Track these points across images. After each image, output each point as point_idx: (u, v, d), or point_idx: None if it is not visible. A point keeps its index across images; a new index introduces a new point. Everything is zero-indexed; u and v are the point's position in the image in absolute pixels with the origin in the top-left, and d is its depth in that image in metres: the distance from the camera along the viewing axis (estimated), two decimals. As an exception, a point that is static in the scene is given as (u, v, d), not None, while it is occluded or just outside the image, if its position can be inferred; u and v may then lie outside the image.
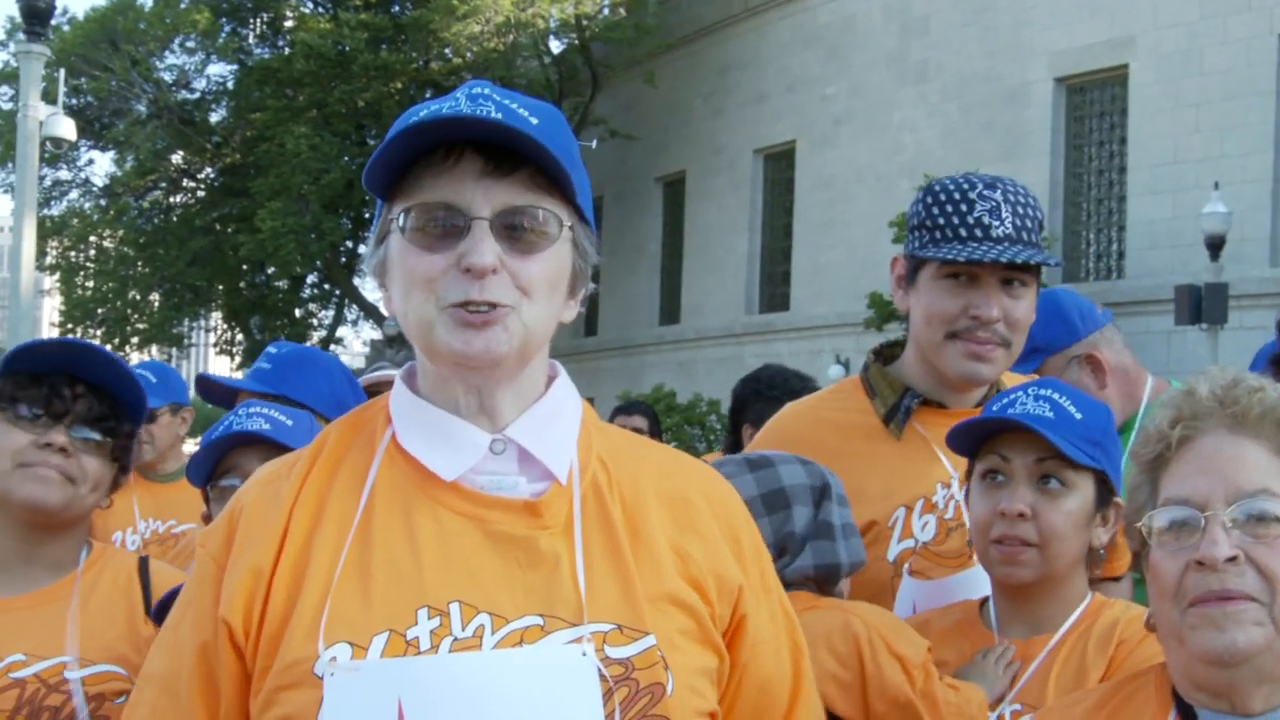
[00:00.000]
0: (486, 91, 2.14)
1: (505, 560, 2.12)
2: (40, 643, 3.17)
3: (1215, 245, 28.81)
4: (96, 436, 3.25)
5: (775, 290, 44.23)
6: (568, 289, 2.23)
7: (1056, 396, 3.08)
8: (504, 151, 2.09)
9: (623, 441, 2.38)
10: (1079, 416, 3.06)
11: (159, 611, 3.17)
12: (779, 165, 44.19)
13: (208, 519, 3.79)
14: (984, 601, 3.24)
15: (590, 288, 2.31)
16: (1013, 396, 3.11)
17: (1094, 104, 34.87)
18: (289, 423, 3.72)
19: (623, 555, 2.17)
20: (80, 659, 3.17)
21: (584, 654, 2.04)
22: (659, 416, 10.38)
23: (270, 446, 3.60)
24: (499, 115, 2.08)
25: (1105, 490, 3.12)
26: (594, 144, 38.73)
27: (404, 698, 1.98)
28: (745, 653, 2.28)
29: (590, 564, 2.14)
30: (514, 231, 2.10)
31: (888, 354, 3.72)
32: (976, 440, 3.15)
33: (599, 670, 2.04)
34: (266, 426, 3.67)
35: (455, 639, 2.04)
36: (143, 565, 3.45)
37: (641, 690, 2.06)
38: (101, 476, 3.30)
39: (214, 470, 3.75)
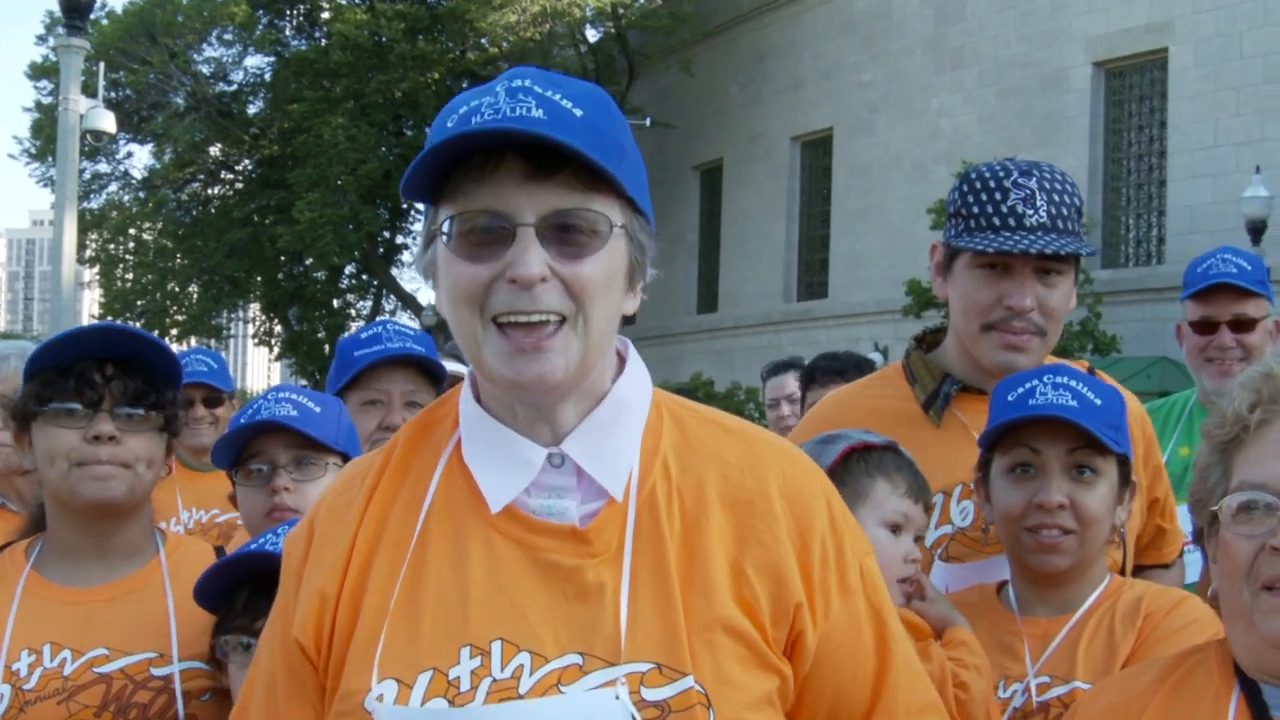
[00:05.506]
0: (528, 84, 2.04)
1: (551, 592, 2.09)
2: (123, 637, 3.15)
3: (1257, 229, 28.60)
4: (140, 413, 3.19)
5: (813, 278, 44.15)
6: (626, 283, 2.14)
7: (1074, 384, 3.09)
8: (548, 150, 1.98)
9: (697, 432, 2.27)
10: (1099, 403, 3.08)
11: (199, 593, 3.16)
12: (816, 152, 44.09)
13: (233, 499, 3.80)
14: (1001, 585, 3.26)
15: (652, 274, 2.21)
16: (1029, 386, 3.11)
17: (1133, 88, 34.66)
18: (317, 410, 3.68)
19: (670, 584, 2.10)
20: (165, 655, 3.15)
21: (617, 698, 2.00)
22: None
23: (296, 434, 3.61)
24: (540, 112, 1.98)
25: (1125, 471, 3.16)
26: (648, 122, 38.53)
27: None
28: (806, 665, 2.19)
29: (636, 596, 2.09)
30: (563, 234, 2.02)
31: (930, 340, 3.72)
32: (998, 431, 3.15)
33: (632, 716, 2.00)
34: (294, 413, 3.64)
35: (495, 680, 2.03)
36: (219, 555, 3.40)
37: None
38: (155, 452, 3.25)
39: (240, 454, 3.74)
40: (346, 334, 4.48)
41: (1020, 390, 3.11)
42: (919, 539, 3.18)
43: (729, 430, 2.30)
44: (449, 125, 2.02)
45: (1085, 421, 3.01)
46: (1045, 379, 3.10)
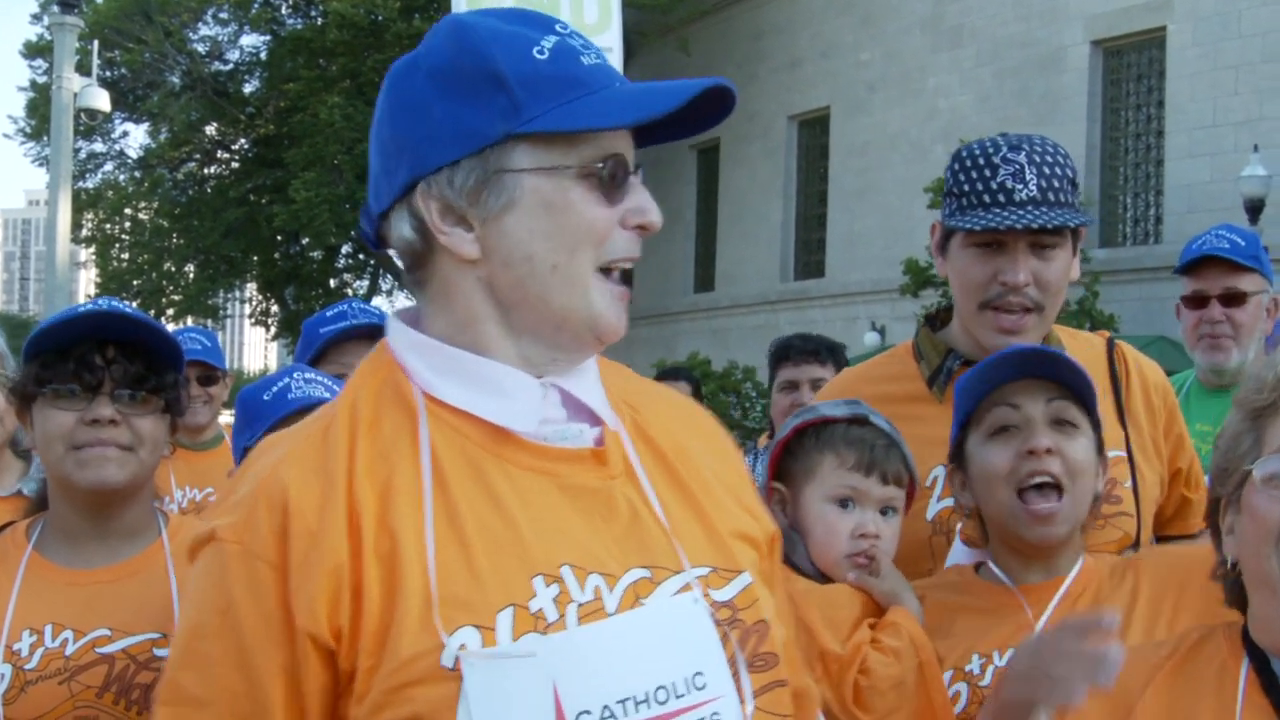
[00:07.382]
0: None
1: (586, 515, 2.05)
2: (125, 618, 3.13)
3: (1254, 209, 28.54)
4: (141, 395, 3.17)
5: (810, 257, 44.09)
6: None
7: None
8: None
9: (625, 386, 2.30)
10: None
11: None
12: (813, 131, 44.00)
13: None
14: (978, 565, 3.23)
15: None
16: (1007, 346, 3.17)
17: (1131, 67, 34.54)
18: None
19: (693, 495, 2.16)
20: (169, 636, 3.10)
21: (695, 601, 2.03)
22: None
23: None
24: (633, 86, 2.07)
25: (1097, 438, 3.14)
26: None
27: (558, 679, 1.87)
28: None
29: (665, 507, 2.12)
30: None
31: (943, 318, 3.74)
32: (975, 402, 3.13)
33: (711, 616, 2.03)
34: (326, 395, 3.62)
35: (580, 604, 1.95)
36: None
37: (750, 629, 2.07)
38: (157, 434, 3.23)
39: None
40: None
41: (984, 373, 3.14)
42: (890, 512, 3.19)
43: (647, 382, 2.41)
44: (579, 69, 2.03)
45: (1063, 367, 3.04)
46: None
